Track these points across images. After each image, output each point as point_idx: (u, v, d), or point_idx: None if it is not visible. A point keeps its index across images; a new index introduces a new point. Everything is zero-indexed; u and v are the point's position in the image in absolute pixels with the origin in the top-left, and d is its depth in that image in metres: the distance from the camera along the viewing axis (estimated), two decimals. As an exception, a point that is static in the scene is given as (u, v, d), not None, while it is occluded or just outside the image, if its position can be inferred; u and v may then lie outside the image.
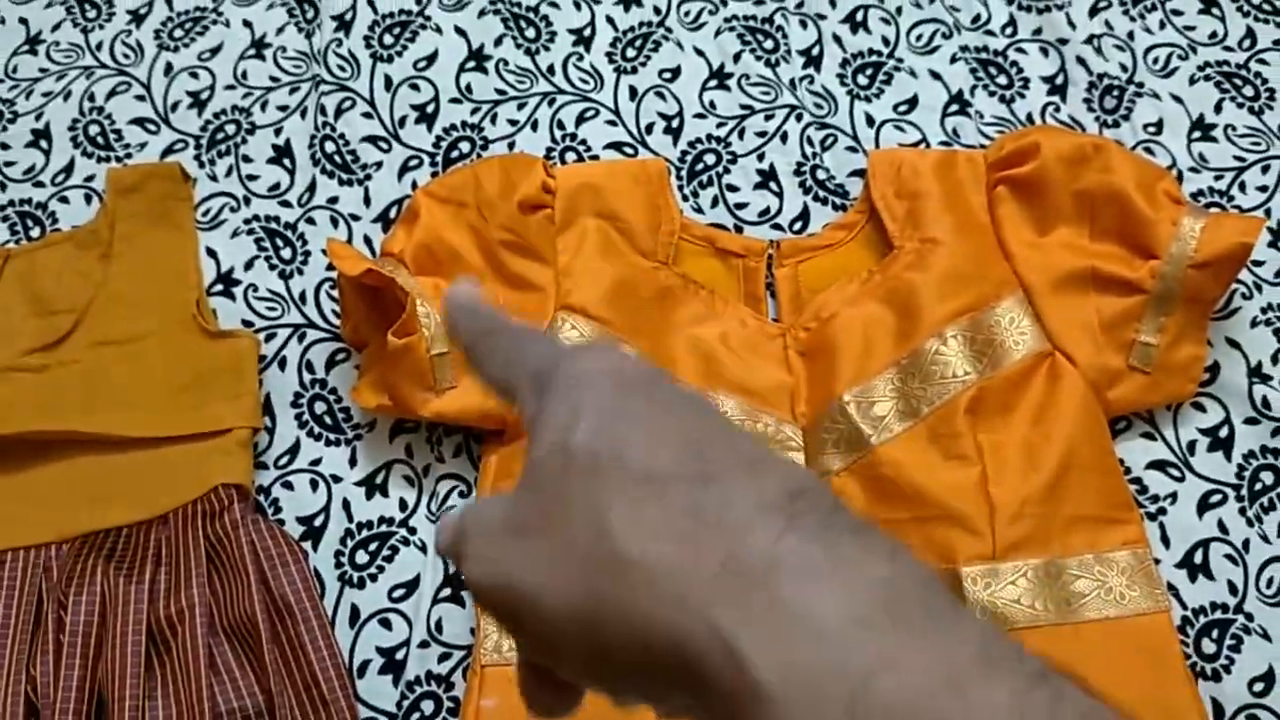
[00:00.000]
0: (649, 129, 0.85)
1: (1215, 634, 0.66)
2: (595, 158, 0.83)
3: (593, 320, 0.71)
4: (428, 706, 0.66)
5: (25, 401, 0.73)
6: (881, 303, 0.72)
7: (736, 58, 0.87)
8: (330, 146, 0.84)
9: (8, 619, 0.65)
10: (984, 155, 0.76)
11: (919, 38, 0.89)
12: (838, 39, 0.89)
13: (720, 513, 0.26)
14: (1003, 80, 0.86)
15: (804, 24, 0.89)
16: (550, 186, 0.75)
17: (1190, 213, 0.71)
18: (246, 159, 0.84)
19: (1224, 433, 0.72)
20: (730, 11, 0.90)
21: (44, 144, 0.85)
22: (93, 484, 0.70)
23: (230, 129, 0.85)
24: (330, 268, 0.78)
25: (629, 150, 0.84)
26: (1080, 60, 0.86)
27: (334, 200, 0.82)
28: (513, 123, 0.85)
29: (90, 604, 0.65)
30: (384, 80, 0.87)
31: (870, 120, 0.85)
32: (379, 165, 0.83)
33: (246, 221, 0.82)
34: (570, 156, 0.83)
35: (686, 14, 0.90)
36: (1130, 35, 0.88)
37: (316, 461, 0.73)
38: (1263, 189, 0.81)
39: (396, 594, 0.69)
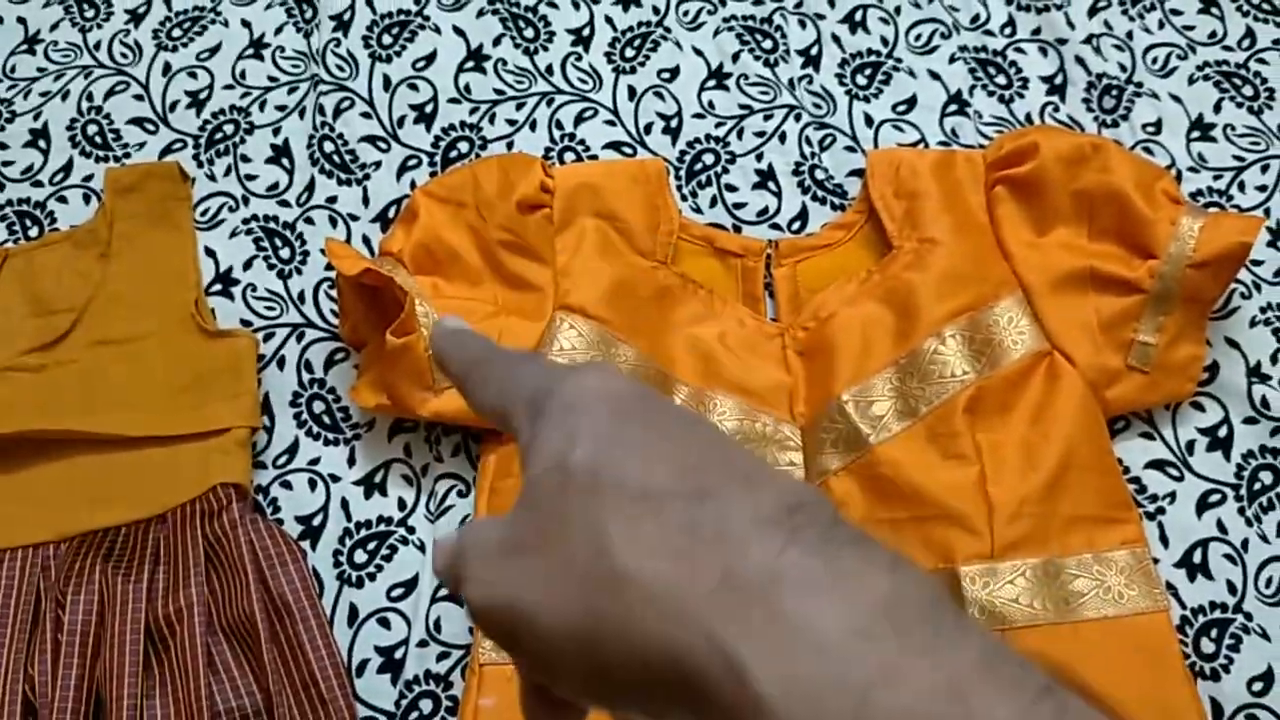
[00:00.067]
0: (647, 129, 0.85)
1: (1214, 633, 0.66)
2: (594, 157, 0.83)
3: (591, 320, 0.71)
4: (426, 705, 0.66)
5: (24, 401, 0.73)
6: (880, 302, 0.72)
7: (735, 58, 0.88)
8: (329, 146, 0.84)
9: (6, 618, 0.65)
10: (983, 155, 0.77)
11: (918, 38, 0.89)
12: (836, 39, 0.89)
13: (717, 528, 0.26)
14: (1001, 80, 0.86)
15: (803, 24, 0.89)
16: (549, 186, 0.75)
17: (1189, 212, 0.71)
18: (245, 159, 0.84)
19: (1223, 432, 0.72)
20: (729, 11, 0.90)
21: (42, 144, 0.85)
22: (91, 483, 0.70)
23: (229, 129, 0.85)
24: (329, 267, 0.78)
25: (627, 150, 0.84)
26: (1079, 60, 0.86)
27: (333, 200, 0.82)
28: (511, 122, 0.85)
29: (89, 603, 0.65)
30: (383, 80, 0.87)
31: (869, 120, 0.85)
32: (378, 165, 0.83)
33: (245, 221, 0.82)
34: (569, 156, 0.84)
35: (685, 14, 0.90)
36: (1129, 35, 0.88)
37: (315, 461, 0.73)
38: (1262, 188, 0.81)
39: (395, 593, 0.69)
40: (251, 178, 0.83)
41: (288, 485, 0.73)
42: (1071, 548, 0.66)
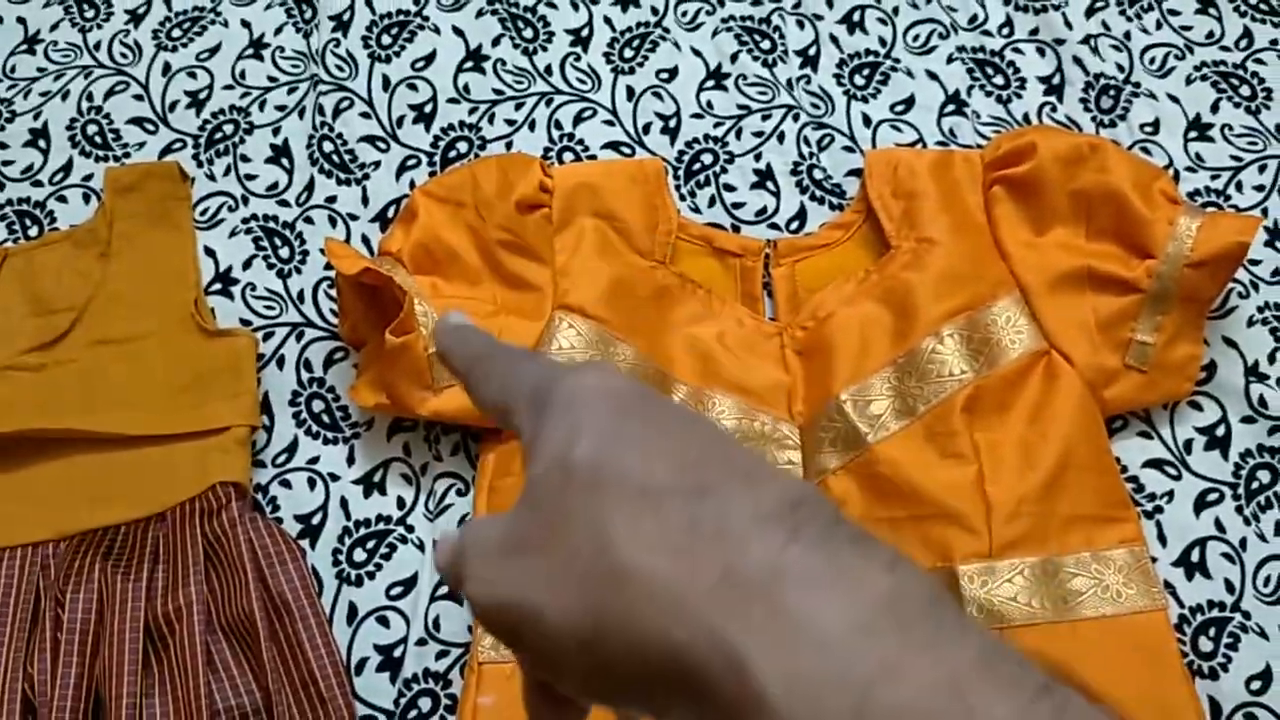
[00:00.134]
0: (646, 129, 0.85)
1: (1212, 632, 0.66)
2: (593, 157, 0.83)
3: (590, 319, 0.72)
4: (425, 704, 0.66)
5: (24, 400, 0.73)
6: (878, 302, 0.72)
7: (734, 58, 0.88)
8: (328, 146, 0.84)
9: (5, 616, 0.66)
10: (981, 155, 0.77)
11: (916, 38, 0.89)
12: (835, 39, 0.89)
13: (717, 525, 0.26)
14: (999, 80, 0.86)
15: (801, 24, 0.89)
16: (548, 186, 0.75)
17: (1187, 212, 0.71)
18: (245, 158, 0.84)
19: (1221, 431, 0.72)
20: (727, 12, 0.90)
21: (42, 143, 0.85)
22: (91, 482, 0.70)
23: (228, 128, 0.85)
24: (328, 267, 0.78)
25: (626, 150, 0.84)
26: (1077, 60, 0.86)
27: (332, 199, 0.82)
28: (510, 122, 0.85)
29: (88, 602, 0.65)
30: (382, 80, 0.87)
31: (867, 120, 0.85)
32: (377, 165, 0.83)
33: (245, 221, 0.82)
34: (568, 156, 0.84)
35: (684, 14, 0.90)
36: (1127, 35, 0.88)
37: (314, 460, 0.73)
38: (1259, 188, 0.81)
39: (394, 592, 0.69)
40: (251, 177, 0.83)
41: (287, 484, 0.73)
42: (1070, 546, 0.66)
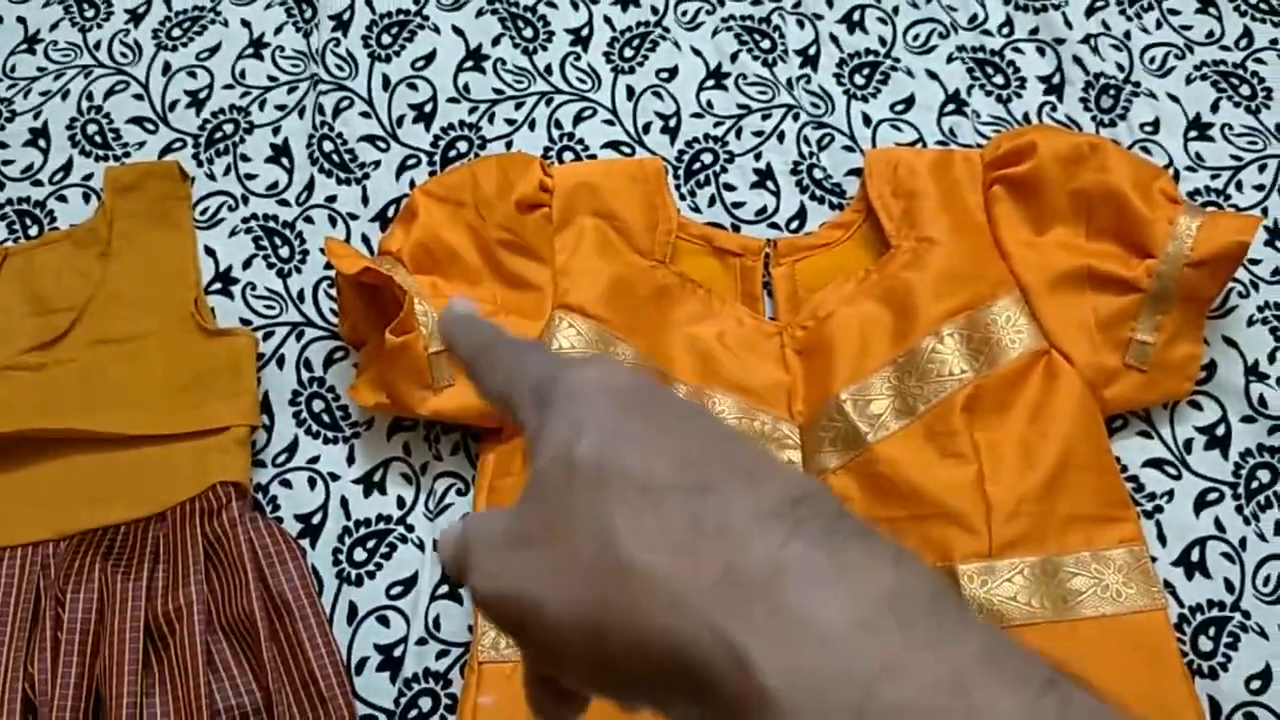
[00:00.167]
0: (646, 128, 0.85)
1: (1212, 632, 0.67)
2: (593, 157, 0.83)
3: (590, 319, 0.72)
4: (425, 703, 0.66)
5: (24, 400, 0.73)
6: (878, 301, 0.72)
7: (734, 57, 0.88)
8: (328, 145, 0.84)
9: (6, 616, 0.66)
10: (980, 155, 0.77)
11: (916, 37, 0.89)
12: (835, 39, 0.89)
13: (718, 522, 0.26)
14: (999, 80, 0.86)
15: (801, 24, 0.89)
16: (548, 185, 0.75)
17: (1187, 211, 0.71)
18: (245, 158, 0.84)
19: (1221, 431, 0.72)
20: (727, 11, 0.90)
21: (42, 143, 0.85)
22: (91, 482, 0.70)
23: (228, 128, 0.85)
24: (328, 266, 0.78)
25: (626, 149, 0.84)
26: (1077, 60, 0.86)
27: (332, 199, 0.82)
28: (510, 122, 0.85)
29: (88, 601, 0.65)
30: (382, 80, 0.87)
31: (867, 120, 0.85)
32: (377, 164, 0.83)
33: (245, 220, 0.82)
34: (568, 156, 0.84)
35: (684, 14, 0.90)
36: (1127, 35, 0.88)
37: (314, 459, 0.73)
38: (1259, 188, 0.81)
39: (394, 591, 0.69)
40: (251, 177, 0.83)
41: (287, 484, 0.73)
42: (1069, 546, 0.66)
